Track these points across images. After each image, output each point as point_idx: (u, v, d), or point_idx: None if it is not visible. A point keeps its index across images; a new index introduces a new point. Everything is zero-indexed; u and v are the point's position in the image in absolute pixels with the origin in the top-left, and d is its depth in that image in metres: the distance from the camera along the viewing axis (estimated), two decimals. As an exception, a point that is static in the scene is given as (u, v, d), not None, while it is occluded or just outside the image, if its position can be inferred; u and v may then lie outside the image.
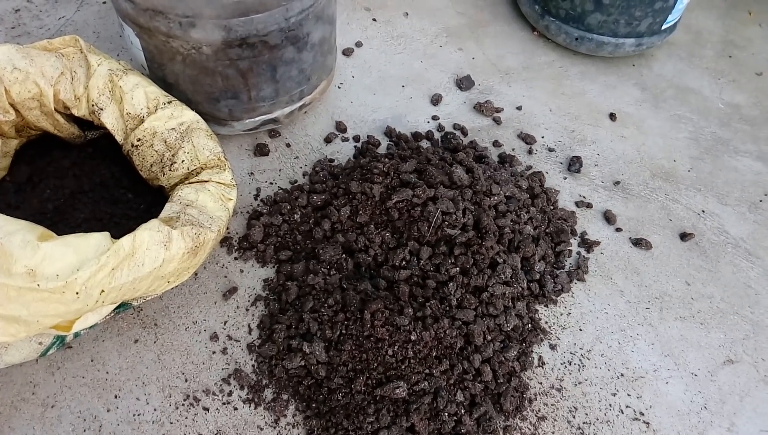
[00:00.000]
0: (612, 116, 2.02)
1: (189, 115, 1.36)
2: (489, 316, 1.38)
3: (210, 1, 1.27)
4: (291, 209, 1.53)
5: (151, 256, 1.10)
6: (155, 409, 1.24)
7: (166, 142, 1.33)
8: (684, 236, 1.69)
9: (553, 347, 1.43)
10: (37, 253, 0.97)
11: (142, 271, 1.09)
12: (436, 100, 1.95)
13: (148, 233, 1.09)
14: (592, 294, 1.54)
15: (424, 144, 1.80)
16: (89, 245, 1.02)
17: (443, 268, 1.40)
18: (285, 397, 1.27)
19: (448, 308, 1.36)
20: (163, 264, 1.12)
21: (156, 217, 1.19)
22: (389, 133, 1.81)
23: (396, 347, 1.26)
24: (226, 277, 1.45)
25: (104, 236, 1.05)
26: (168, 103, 1.35)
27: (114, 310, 1.20)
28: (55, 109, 1.35)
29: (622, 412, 1.36)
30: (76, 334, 1.20)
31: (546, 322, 1.47)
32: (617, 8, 1.98)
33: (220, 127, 1.61)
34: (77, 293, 1.01)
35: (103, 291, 1.05)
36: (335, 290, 1.37)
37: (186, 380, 1.29)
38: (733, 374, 1.45)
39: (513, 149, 1.85)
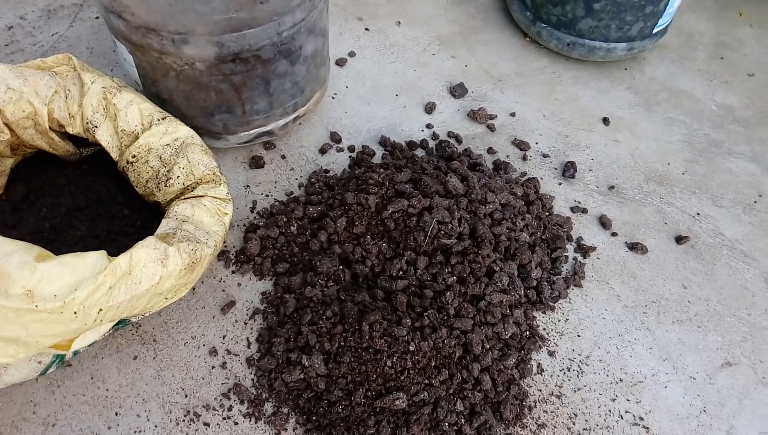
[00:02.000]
0: (605, 121, 2.02)
1: (183, 131, 1.36)
2: (487, 324, 1.38)
3: (202, 18, 1.27)
4: (287, 221, 1.53)
5: (148, 273, 1.10)
6: (156, 426, 1.24)
7: (161, 158, 1.34)
8: (679, 239, 1.70)
9: (551, 354, 1.44)
10: (34, 274, 0.97)
11: (140, 289, 1.09)
12: (430, 109, 1.96)
13: (144, 251, 1.10)
14: (589, 299, 1.55)
15: (419, 152, 1.81)
16: (86, 265, 1.03)
17: (440, 277, 1.40)
18: (285, 410, 1.27)
19: (446, 317, 1.36)
20: (160, 281, 1.12)
21: (152, 232, 1.20)
22: (384, 142, 1.82)
23: (395, 358, 1.27)
24: (223, 290, 1.45)
25: (101, 255, 1.05)
26: (162, 119, 1.36)
27: (112, 327, 1.20)
28: (49, 128, 1.36)
29: (622, 418, 1.36)
30: (76, 352, 1.21)
31: (544, 329, 1.48)
32: (608, 13, 1.99)
33: (214, 140, 1.61)
34: (75, 313, 1.01)
35: (101, 310, 1.05)
36: (333, 302, 1.38)
37: (186, 396, 1.29)
38: (731, 377, 1.45)
39: (507, 156, 1.85)
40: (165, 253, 1.12)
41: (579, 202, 1.76)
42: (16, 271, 0.97)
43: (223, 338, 1.38)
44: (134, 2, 1.27)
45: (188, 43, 1.32)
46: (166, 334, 1.37)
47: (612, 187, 1.82)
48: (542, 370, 1.41)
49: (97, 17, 2.09)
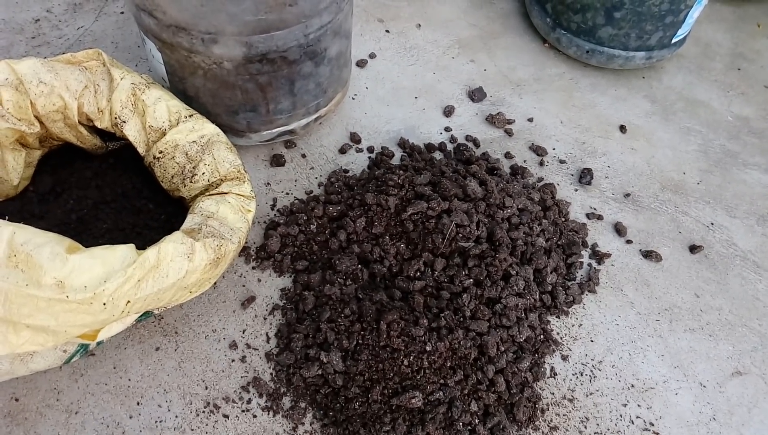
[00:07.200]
0: (622, 128, 2.04)
1: (210, 129, 1.39)
2: (502, 327, 1.40)
3: (232, 19, 1.30)
4: (307, 220, 1.56)
5: (175, 267, 1.12)
6: (176, 416, 1.27)
7: (187, 154, 1.36)
8: (693, 249, 1.72)
9: (564, 358, 1.46)
10: (65, 265, 1.00)
11: (167, 282, 1.12)
12: (448, 112, 1.98)
13: (172, 245, 1.12)
14: (603, 305, 1.57)
15: (437, 155, 1.83)
16: (116, 257, 1.05)
17: (457, 279, 1.42)
18: (303, 405, 1.30)
19: (462, 319, 1.38)
20: (186, 275, 1.15)
21: (176, 227, 1.22)
22: (403, 144, 1.84)
23: (411, 357, 1.29)
24: (244, 286, 1.48)
25: (130, 248, 1.08)
26: (189, 116, 1.38)
27: (137, 318, 1.23)
28: (78, 122, 1.38)
29: (633, 423, 1.38)
30: (99, 343, 1.23)
31: (558, 334, 1.50)
32: (628, 22, 2.00)
33: (237, 138, 1.64)
34: (104, 304, 1.04)
35: (129, 302, 1.08)
36: (351, 300, 1.40)
37: (206, 388, 1.31)
38: (741, 386, 1.47)
39: (524, 161, 1.87)
40: (191, 248, 1.15)
41: (595, 209, 1.78)
42: (48, 261, 0.99)
43: (243, 332, 1.40)
44: (166, 1, 1.30)
45: (217, 42, 1.35)
46: (187, 327, 1.40)
47: (628, 195, 1.84)
48: (555, 374, 1.43)
49: (122, 12, 2.12)
